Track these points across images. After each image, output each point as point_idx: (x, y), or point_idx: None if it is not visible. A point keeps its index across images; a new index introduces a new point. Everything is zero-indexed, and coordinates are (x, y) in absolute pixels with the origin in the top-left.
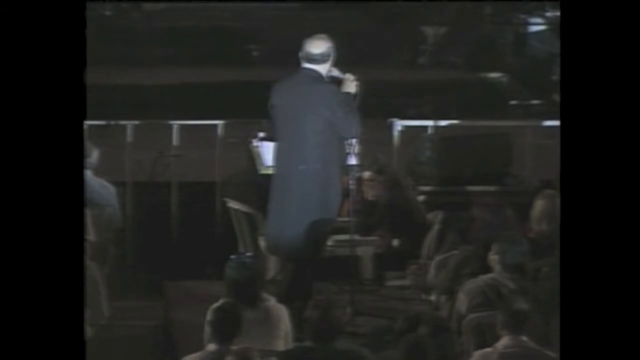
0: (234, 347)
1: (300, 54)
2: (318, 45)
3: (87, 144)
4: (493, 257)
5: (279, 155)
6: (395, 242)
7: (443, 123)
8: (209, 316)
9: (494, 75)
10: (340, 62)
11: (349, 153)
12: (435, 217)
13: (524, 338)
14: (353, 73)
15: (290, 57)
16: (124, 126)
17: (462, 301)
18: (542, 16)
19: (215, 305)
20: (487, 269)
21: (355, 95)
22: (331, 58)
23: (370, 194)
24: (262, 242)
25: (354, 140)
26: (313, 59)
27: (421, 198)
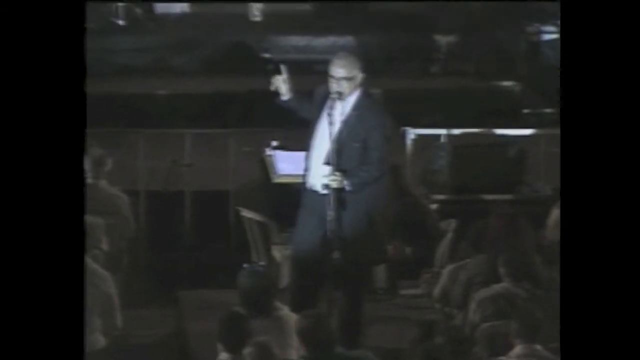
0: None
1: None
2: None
3: (101, 152)
4: (501, 269)
5: None
6: (409, 251)
7: (456, 131)
8: (218, 326)
9: (507, 83)
10: None
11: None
12: (449, 226)
13: (538, 347)
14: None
15: (301, 65)
16: (137, 135)
17: (475, 310)
18: (556, 25)
19: (223, 314)
20: (500, 277)
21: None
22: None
23: None
24: (275, 251)
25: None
26: None
27: (434, 207)
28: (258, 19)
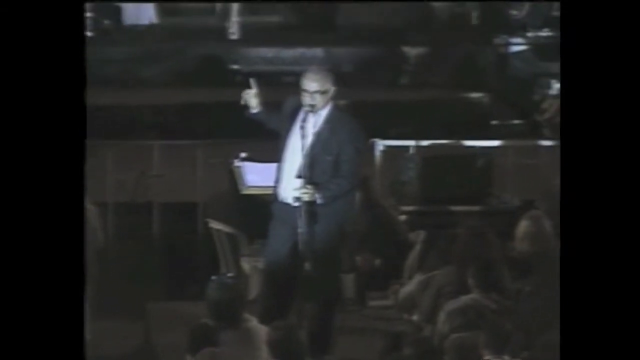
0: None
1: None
2: None
3: None
4: (470, 281)
5: None
6: (378, 262)
7: (425, 143)
8: (186, 338)
9: (475, 95)
10: None
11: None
12: (418, 237)
13: (506, 358)
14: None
15: (270, 77)
16: (105, 146)
17: (444, 321)
18: (524, 36)
19: (192, 326)
20: (468, 289)
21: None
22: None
23: None
24: (244, 263)
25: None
26: None
27: (403, 218)
28: (235, 36)
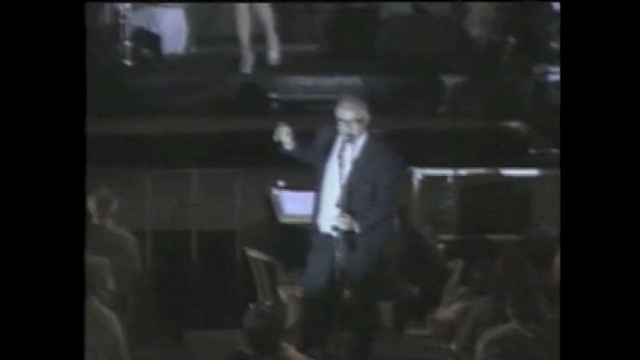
0: None
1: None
2: None
3: (107, 192)
4: (509, 310)
5: None
6: (416, 291)
7: (463, 172)
8: None
9: (513, 124)
10: None
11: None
12: (455, 266)
13: None
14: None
15: (307, 106)
16: (143, 175)
17: (482, 351)
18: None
19: (229, 354)
20: (506, 318)
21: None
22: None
23: None
24: (281, 291)
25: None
26: None
27: (441, 246)
28: (275, 62)
